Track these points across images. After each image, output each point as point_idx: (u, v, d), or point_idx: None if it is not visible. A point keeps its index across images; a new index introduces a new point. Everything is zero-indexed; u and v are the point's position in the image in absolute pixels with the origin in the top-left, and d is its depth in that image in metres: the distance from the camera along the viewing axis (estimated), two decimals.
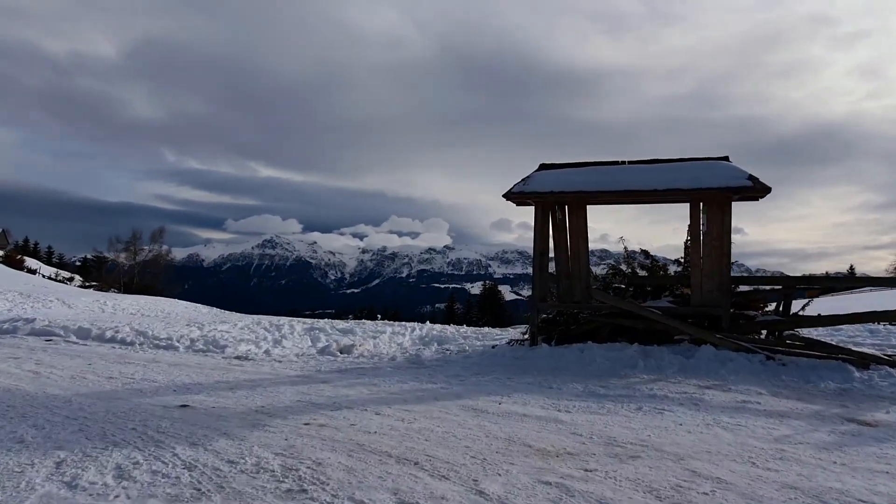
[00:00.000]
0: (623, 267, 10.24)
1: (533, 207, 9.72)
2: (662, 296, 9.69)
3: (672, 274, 10.01)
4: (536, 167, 9.88)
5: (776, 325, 8.79)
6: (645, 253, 10.13)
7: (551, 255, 9.87)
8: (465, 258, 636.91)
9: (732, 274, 8.81)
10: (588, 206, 9.62)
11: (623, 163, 9.43)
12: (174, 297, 59.89)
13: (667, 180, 8.69)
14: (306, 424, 5.32)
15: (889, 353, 8.39)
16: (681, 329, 8.69)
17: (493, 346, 9.93)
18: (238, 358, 9.25)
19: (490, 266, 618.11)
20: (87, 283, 58.88)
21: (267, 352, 9.81)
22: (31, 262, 65.78)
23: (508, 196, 9.52)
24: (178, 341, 10.29)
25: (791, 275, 22.51)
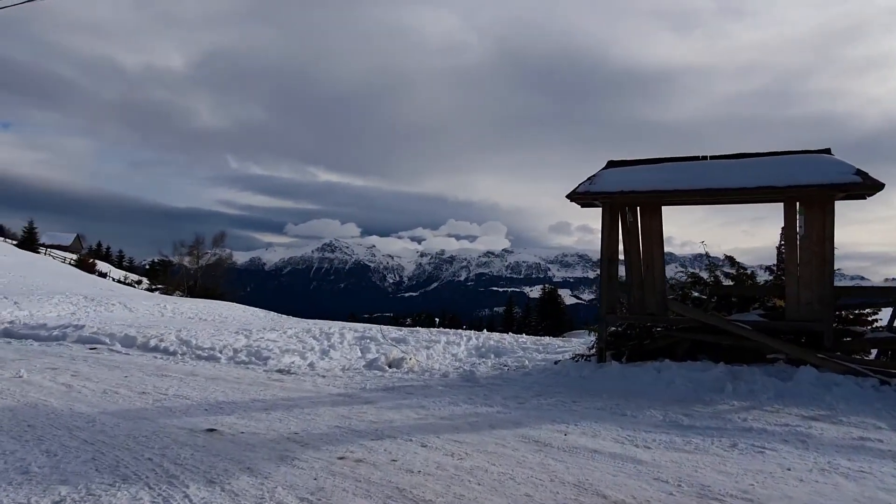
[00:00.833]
0: (704, 275, 9.13)
1: (600, 209, 8.78)
2: (751, 308, 8.56)
3: (762, 283, 8.85)
4: (604, 165, 8.93)
5: (889, 343, 7.54)
6: (730, 259, 8.99)
7: (621, 261, 8.89)
8: (523, 261, 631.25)
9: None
10: (662, 208, 8.60)
11: (704, 158, 8.37)
12: (234, 301, 61.15)
13: (757, 177, 7.60)
14: (341, 458, 4.60)
15: None
16: (775, 347, 7.57)
17: (556, 362, 9.02)
18: (280, 372, 8.67)
19: (549, 269, 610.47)
20: (153, 287, 60.85)
21: (311, 365, 9.21)
22: (102, 265, 68.54)
23: (573, 196, 8.61)
24: (221, 352, 9.82)
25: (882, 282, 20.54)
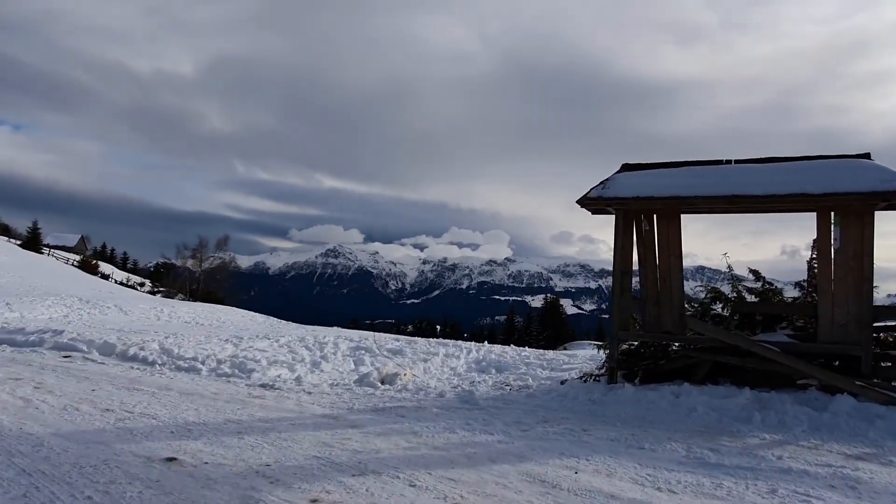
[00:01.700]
0: (726, 290, 8.41)
1: (613, 216, 8.09)
2: (777, 327, 7.84)
3: (790, 300, 8.12)
4: (618, 168, 8.25)
5: None
6: (754, 273, 8.28)
7: (635, 273, 8.20)
8: (525, 271, 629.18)
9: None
10: (681, 216, 7.91)
11: (728, 162, 7.68)
12: (236, 305, 60.52)
13: (788, 183, 6.91)
14: (314, 502, 3.92)
15: None
16: (806, 372, 6.85)
17: (563, 382, 8.31)
18: (263, 387, 7.98)
19: (551, 279, 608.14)
20: (156, 289, 60.35)
21: (299, 379, 8.53)
22: (105, 267, 68.08)
23: (584, 202, 7.94)
24: (204, 363, 9.15)
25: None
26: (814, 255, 7.50)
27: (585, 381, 8.11)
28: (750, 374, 7.35)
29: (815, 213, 7.16)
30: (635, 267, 8.34)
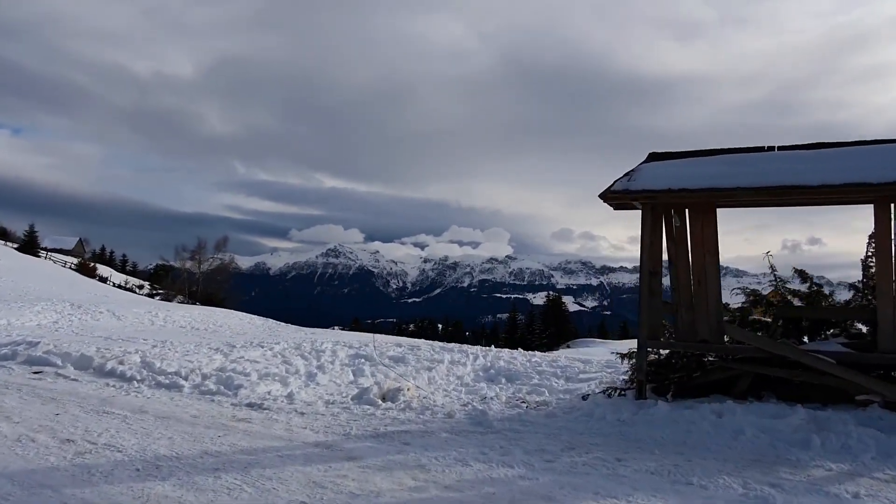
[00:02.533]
0: (767, 292, 7.55)
1: (640, 211, 7.24)
2: (826, 334, 7.00)
3: (842, 304, 7.27)
4: (644, 158, 7.39)
5: None
6: (801, 274, 7.40)
7: (662, 273, 7.35)
8: (526, 268, 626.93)
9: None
10: (717, 210, 7.06)
11: (771, 148, 6.83)
12: (235, 307, 59.66)
13: (842, 171, 6.06)
14: None
15: None
16: (867, 387, 6.01)
17: (584, 396, 7.46)
18: (250, 406, 7.14)
19: (552, 276, 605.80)
20: (155, 292, 59.52)
21: (291, 396, 7.69)
22: (103, 269, 67.34)
23: (607, 196, 7.08)
24: (187, 378, 8.31)
25: None
26: (870, 253, 6.65)
27: (610, 396, 7.27)
28: (798, 388, 6.52)
29: (853, 206, 6.33)
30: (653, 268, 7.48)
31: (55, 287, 34.85)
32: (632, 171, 7.13)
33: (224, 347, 12.33)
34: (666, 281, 7.43)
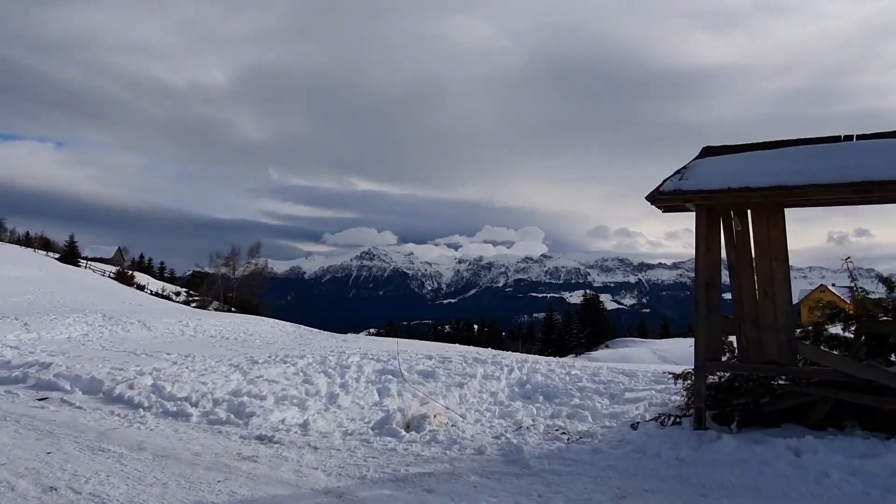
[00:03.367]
0: (847, 303, 6.57)
1: (693, 213, 6.34)
2: None
3: None
4: (698, 153, 6.48)
5: None
6: (886, 282, 6.38)
7: (720, 284, 6.43)
8: (562, 266, 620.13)
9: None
10: (784, 210, 6.12)
11: (849, 138, 5.87)
12: (271, 311, 59.87)
13: None
14: None
15: None
16: None
17: (634, 425, 6.58)
18: (260, 439, 6.47)
19: (589, 274, 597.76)
20: (191, 299, 60.17)
21: (306, 425, 7.00)
22: (141, 277, 68.34)
23: (656, 198, 6.20)
24: (197, 404, 7.70)
25: None
26: None
27: (664, 425, 6.38)
28: (887, 417, 5.55)
29: None
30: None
31: (91, 297, 35.15)
32: (683, 168, 6.24)
33: (245, 364, 11.75)
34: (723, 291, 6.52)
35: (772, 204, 6.00)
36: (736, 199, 6.01)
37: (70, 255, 63.85)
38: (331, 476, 5.33)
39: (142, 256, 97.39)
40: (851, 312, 6.52)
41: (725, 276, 6.46)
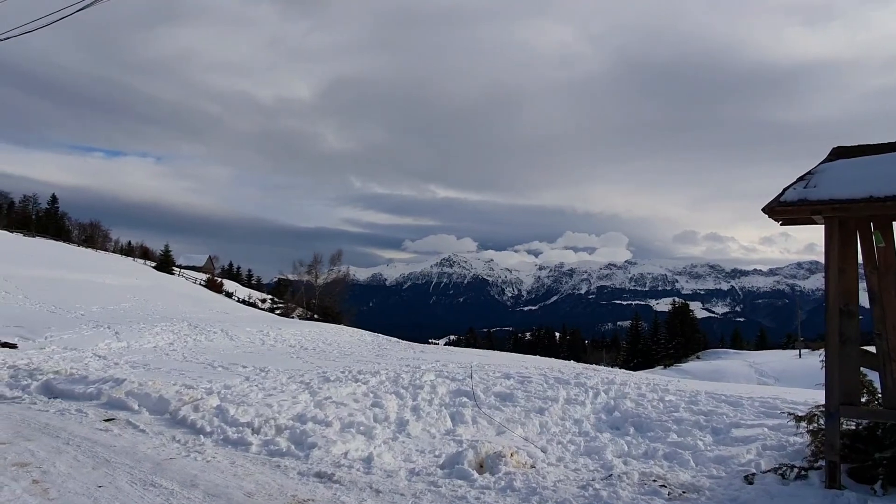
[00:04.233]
0: None
1: (821, 226, 5.29)
2: None
3: None
4: (827, 154, 5.42)
5: None
6: None
7: (858, 311, 5.32)
8: (648, 273, 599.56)
9: None
10: None
11: None
12: (353, 318, 60.72)
13: None
14: None
15: None
16: None
17: (748, 478, 5.55)
18: (319, 477, 5.93)
19: (677, 281, 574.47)
20: (276, 306, 61.95)
21: (370, 460, 6.41)
22: (229, 285, 71.11)
23: (776, 210, 5.19)
24: (259, 430, 7.29)
25: None
26: None
27: (785, 477, 5.34)
28: None
29: None
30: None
31: (180, 305, 36.56)
32: (809, 173, 5.20)
33: (316, 381, 11.38)
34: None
35: None
36: (879, 211, 4.92)
37: (165, 264, 67.31)
38: None
39: (231, 264, 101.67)
40: None
41: (863, 300, 5.36)
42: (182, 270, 69.62)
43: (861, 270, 5.37)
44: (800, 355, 49.70)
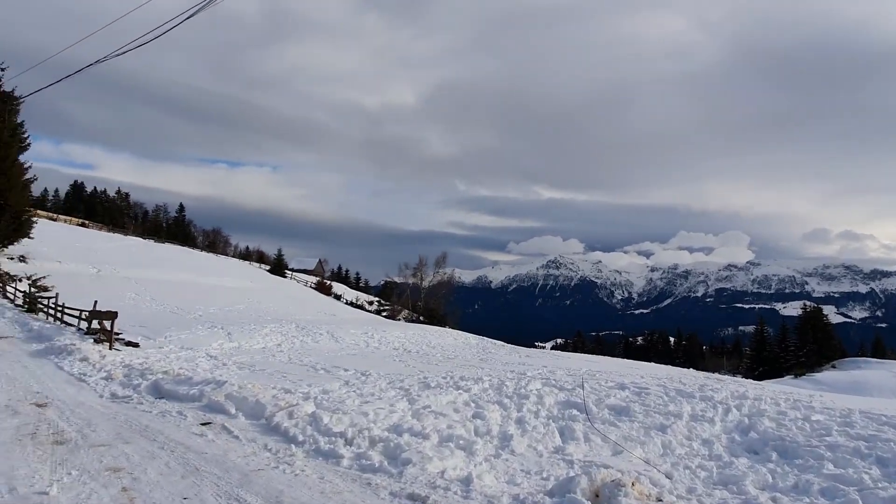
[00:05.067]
0: None
1: None
2: None
3: None
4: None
5: None
6: None
7: None
8: (773, 274, 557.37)
9: None
10: None
11: None
12: (458, 320, 60.65)
13: None
14: None
15: None
16: None
17: None
18: (412, 499, 5.31)
19: (807, 283, 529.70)
20: (382, 308, 63.09)
21: (468, 481, 5.72)
22: (338, 287, 73.25)
23: None
24: (352, 442, 6.81)
25: None
26: None
27: None
28: None
29: None
30: None
31: (290, 307, 37.79)
32: None
33: (416, 387, 10.88)
34: None
35: None
36: None
37: (278, 267, 70.41)
38: None
39: (339, 267, 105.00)
40: None
41: None
42: (293, 274, 72.57)
43: None
44: None
